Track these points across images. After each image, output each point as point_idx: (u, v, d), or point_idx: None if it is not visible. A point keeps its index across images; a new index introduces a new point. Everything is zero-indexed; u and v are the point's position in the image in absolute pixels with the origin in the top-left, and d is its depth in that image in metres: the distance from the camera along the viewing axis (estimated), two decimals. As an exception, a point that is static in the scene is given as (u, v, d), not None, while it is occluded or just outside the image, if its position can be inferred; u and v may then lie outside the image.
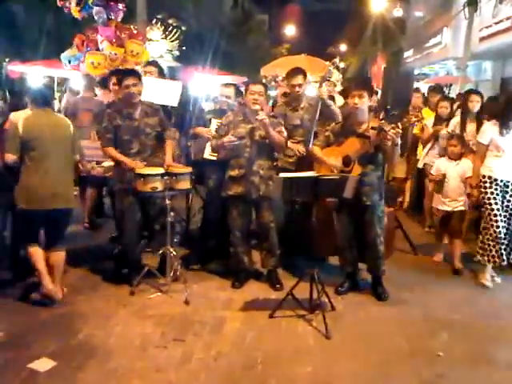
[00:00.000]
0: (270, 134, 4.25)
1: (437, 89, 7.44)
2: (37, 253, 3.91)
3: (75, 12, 6.73)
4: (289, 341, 3.59)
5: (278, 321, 3.85)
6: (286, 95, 5.49)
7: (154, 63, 6.03)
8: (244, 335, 3.64)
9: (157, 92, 4.33)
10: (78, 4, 6.67)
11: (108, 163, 4.82)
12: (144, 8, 12.59)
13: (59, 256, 4.03)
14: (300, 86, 4.77)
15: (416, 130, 6.54)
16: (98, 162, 4.98)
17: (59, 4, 6.88)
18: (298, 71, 4.83)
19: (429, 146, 6.13)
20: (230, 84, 5.08)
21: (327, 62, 5.12)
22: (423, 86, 14.79)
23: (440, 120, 6.12)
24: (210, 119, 4.83)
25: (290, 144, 4.73)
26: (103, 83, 5.80)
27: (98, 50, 6.48)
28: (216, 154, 4.62)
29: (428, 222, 6.23)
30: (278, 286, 4.42)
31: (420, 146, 6.54)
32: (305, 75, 4.85)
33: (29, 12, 16.11)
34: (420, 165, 6.27)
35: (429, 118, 6.29)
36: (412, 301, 4.30)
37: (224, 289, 4.41)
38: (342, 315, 3.98)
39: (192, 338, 3.57)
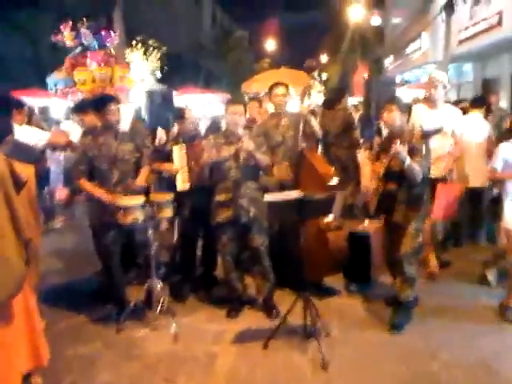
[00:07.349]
0: (256, 158, 4.14)
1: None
2: None
3: (69, 39, 6.69)
4: (284, 373, 3.43)
5: (273, 352, 3.67)
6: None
7: None
8: (237, 371, 3.47)
9: None
10: (71, 30, 6.64)
11: None
12: (122, 30, 12.58)
13: None
14: (284, 95, 4.65)
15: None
16: None
17: (54, 40, 6.83)
18: (280, 83, 4.76)
19: None
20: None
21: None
22: (406, 92, 14.85)
23: None
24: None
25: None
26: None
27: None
28: (189, 183, 4.50)
29: None
30: (274, 312, 4.23)
31: None
32: (287, 87, 4.73)
33: (7, 42, 16.02)
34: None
35: None
36: (409, 323, 4.03)
37: (214, 320, 4.22)
38: (338, 341, 3.81)
39: (184, 378, 3.39)
